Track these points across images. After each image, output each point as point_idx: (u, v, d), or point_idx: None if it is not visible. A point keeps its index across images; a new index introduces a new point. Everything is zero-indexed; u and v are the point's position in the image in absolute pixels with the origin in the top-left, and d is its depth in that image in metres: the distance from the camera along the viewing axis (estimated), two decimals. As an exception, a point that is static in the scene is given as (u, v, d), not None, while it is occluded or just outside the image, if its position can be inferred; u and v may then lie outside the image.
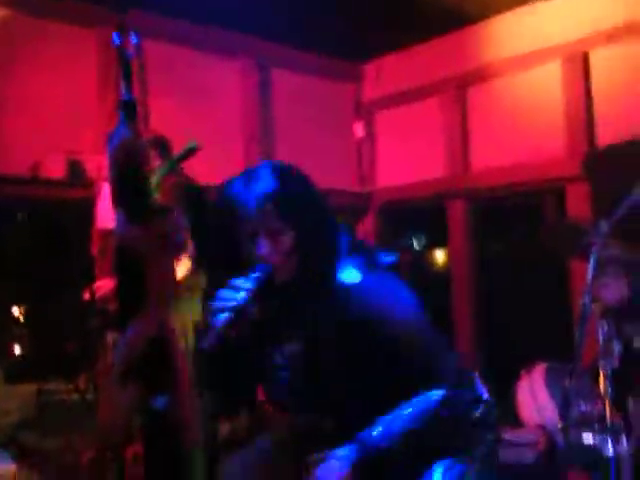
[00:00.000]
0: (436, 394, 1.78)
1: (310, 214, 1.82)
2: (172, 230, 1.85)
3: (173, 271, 1.92)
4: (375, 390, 1.79)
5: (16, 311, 5.92)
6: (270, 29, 5.16)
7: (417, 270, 5.94)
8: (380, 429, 1.75)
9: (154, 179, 3.06)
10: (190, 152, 3.25)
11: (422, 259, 6.18)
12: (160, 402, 1.83)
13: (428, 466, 1.79)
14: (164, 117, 4.70)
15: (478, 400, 1.89)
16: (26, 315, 5.74)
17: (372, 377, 1.79)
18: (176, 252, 2.13)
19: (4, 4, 4.32)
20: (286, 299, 1.83)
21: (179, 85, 4.98)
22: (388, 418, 1.77)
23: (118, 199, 1.91)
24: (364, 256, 1.88)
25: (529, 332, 4.68)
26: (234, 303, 1.70)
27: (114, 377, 1.90)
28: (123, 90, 1.94)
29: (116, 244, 1.94)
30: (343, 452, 1.74)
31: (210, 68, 5.19)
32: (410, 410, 1.76)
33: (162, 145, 3.84)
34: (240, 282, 1.74)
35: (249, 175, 1.82)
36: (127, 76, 1.92)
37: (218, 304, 1.71)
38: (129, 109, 1.92)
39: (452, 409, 1.78)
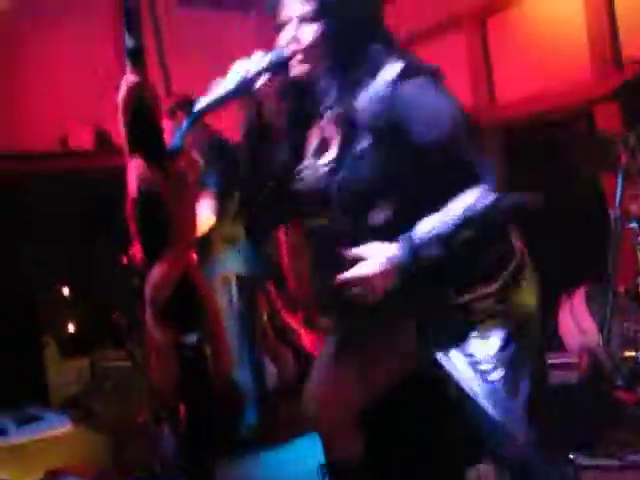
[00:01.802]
0: (482, 197, 1.68)
1: (347, 6, 1.76)
2: (189, 168, 1.89)
3: (194, 210, 1.96)
4: (416, 190, 1.72)
5: (66, 291, 6.08)
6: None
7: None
8: (427, 231, 1.66)
9: (179, 135, 3.09)
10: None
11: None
12: (191, 338, 1.87)
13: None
14: (185, 77, 4.72)
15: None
16: (74, 293, 5.89)
17: (410, 177, 1.71)
18: (195, 190, 2.16)
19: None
20: (309, 94, 1.81)
21: (197, 44, 4.99)
22: (434, 220, 1.68)
23: (133, 144, 1.94)
24: (407, 59, 1.79)
25: (569, 258, 4.62)
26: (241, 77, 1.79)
27: (147, 320, 1.95)
28: (126, 38, 1.95)
29: (136, 189, 1.97)
30: (390, 249, 1.67)
31: (226, 25, 5.19)
32: (457, 213, 1.67)
33: (189, 104, 3.87)
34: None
35: None
36: (129, 23, 1.93)
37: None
38: (134, 55, 1.94)
39: (498, 216, 1.70)
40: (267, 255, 4.65)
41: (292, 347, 4.61)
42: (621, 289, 3.55)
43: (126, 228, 4.09)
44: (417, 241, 1.66)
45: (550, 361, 3.49)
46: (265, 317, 4.65)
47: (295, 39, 1.80)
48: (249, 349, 3.83)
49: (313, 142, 1.87)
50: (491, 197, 1.69)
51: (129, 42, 1.95)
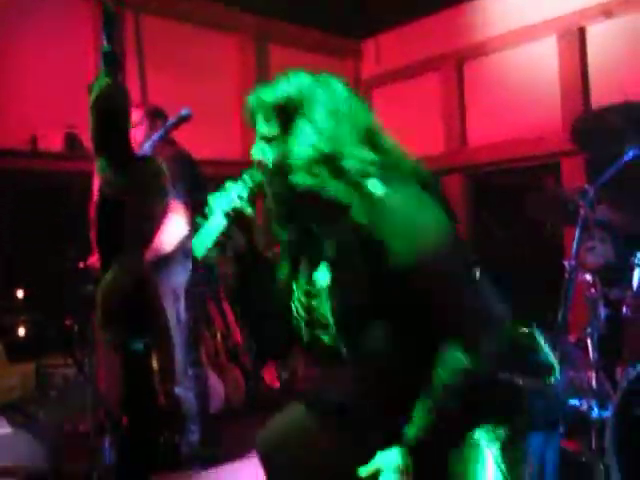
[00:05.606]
0: (454, 364, 1.55)
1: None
2: (153, 176, 1.88)
3: (153, 216, 1.95)
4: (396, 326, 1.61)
5: (20, 293, 5.97)
6: (269, 5, 5.18)
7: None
8: (414, 425, 1.60)
9: (147, 145, 3.09)
10: (182, 119, 3.25)
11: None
12: (139, 345, 1.86)
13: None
14: (163, 92, 4.72)
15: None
16: (28, 296, 5.78)
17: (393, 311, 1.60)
18: (157, 199, 2.14)
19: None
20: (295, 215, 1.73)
21: (178, 60, 5.01)
22: (417, 411, 1.60)
23: (99, 146, 1.94)
24: (391, 166, 1.66)
25: (523, 304, 4.68)
26: (227, 207, 1.70)
27: (96, 322, 1.94)
28: (104, 42, 1.96)
29: (98, 191, 1.97)
30: (391, 461, 1.60)
31: (208, 44, 5.21)
32: (433, 394, 1.58)
33: (158, 115, 3.87)
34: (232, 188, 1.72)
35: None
36: (107, 28, 1.94)
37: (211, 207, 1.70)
38: (109, 59, 1.94)
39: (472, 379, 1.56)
40: (226, 275, 4.63)
41: (242, 368, 4.59)
42: (572, 339, 3.60)
43: (86, 234, 4.07)
44: (409, 440, 1.61)
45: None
46: (219, 336, 4.63)
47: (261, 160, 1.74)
48: (194, 365, 3.78)
49: (305, 266, 1.80)
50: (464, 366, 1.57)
51: (105, 46, 1.96)
